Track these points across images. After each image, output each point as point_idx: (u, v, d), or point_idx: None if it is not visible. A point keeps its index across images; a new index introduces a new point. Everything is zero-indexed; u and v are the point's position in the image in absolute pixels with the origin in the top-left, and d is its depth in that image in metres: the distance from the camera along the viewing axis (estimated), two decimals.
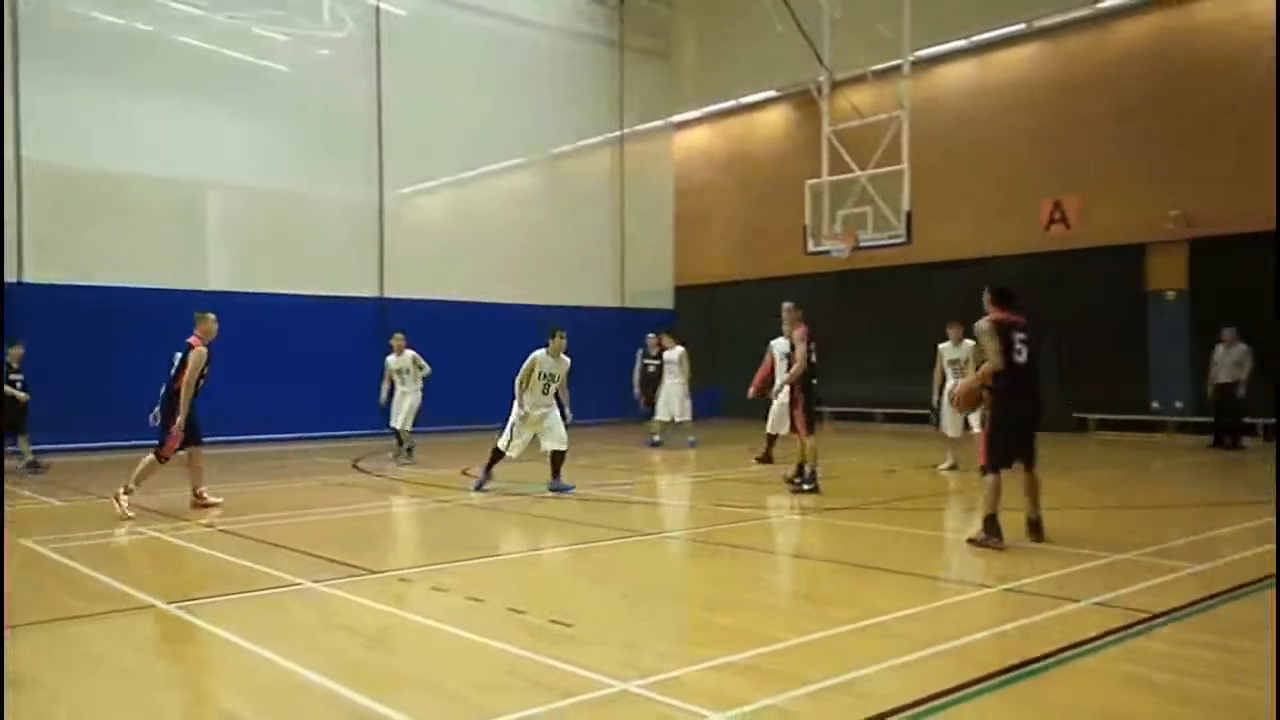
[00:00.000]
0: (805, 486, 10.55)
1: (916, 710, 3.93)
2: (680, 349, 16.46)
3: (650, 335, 17.34)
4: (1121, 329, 18.38)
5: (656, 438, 16.38)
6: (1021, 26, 19.45)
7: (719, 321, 25.32)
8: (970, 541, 7.58)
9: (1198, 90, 17.43)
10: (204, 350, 9.23)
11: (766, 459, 13.46)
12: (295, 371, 18.20)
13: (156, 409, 9.42)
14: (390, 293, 20.21)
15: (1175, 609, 5.48)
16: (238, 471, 13.32)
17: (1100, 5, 18.35)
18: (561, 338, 10.91)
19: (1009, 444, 7.63)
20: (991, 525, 7.46)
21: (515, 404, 10.92)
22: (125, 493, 9.07)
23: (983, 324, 7.66)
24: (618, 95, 24.29)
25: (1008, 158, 19.80)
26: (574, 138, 23.83)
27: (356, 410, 16.82)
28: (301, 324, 18.64)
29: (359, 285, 19.92)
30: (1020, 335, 7.57)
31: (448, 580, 6.68)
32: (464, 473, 12.31)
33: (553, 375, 10.87)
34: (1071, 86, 19.00)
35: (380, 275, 20.22)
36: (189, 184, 18.02)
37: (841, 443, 17.31)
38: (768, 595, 6.20)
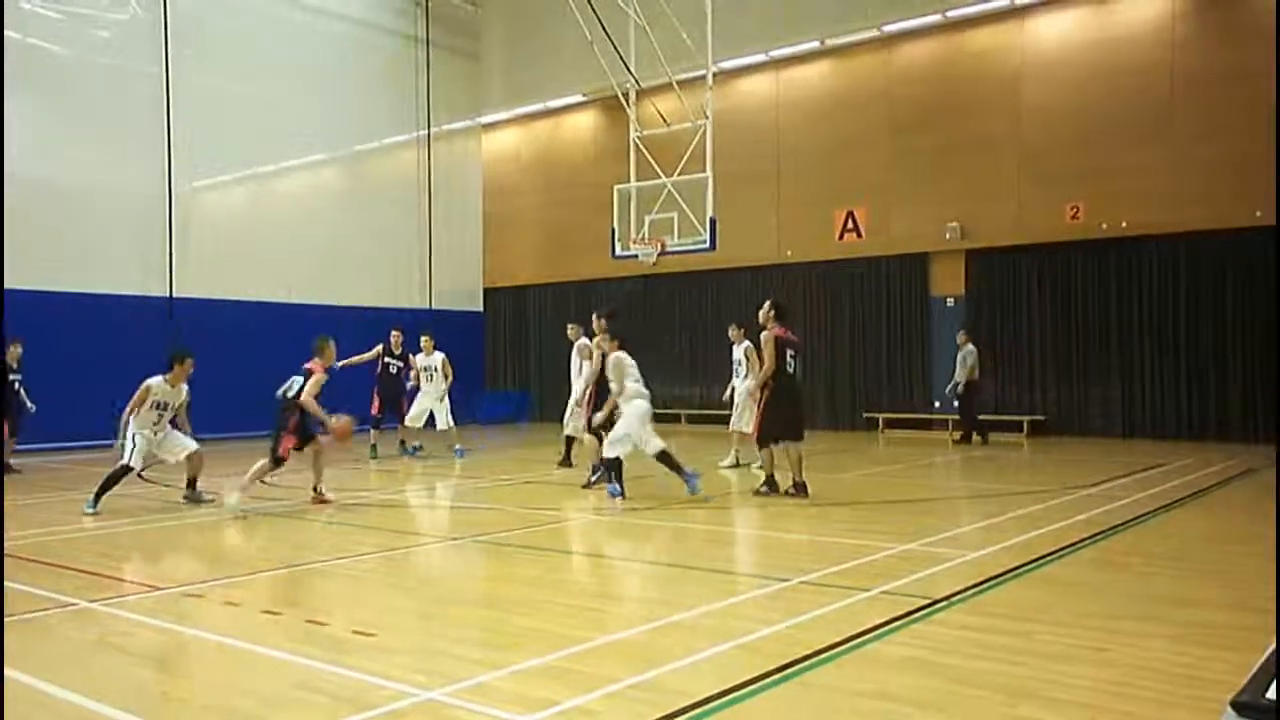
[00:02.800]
0: (608, 489, 10.50)
1: (715, 704, 4.06)
2: (442, 355, 15.37)
3: (393, 332, 15.95)
4: (908, 333, 19.59)
5: (417, 444, 15.45)
6: (815, 44, 20.37)
7: (528, 324, 25.32)
8: (755, 492, 10.20)
9: (972, 112, 18.74)
10: (323, 376, 9.88)
11: (566, 462, 13.33)
12: (74, 376, 16.93)
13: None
14: (181, 292, 19.08)
15: (953, 594, 5.88)
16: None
17: (886, 27, 19.45)
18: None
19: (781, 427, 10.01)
20: (770, 482, 10.13)
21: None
22: (240, 490, 9.46)
23: (766, 335, 9.94)
24: (424, 93, 23.86)
25: (804, 169, 20.71)
26: (379, 135, 23.24)
27: None
28: (81, 324, 17.36)
29: (145, 283, 18.72)
30: (790, 350, 9.91)
31: (242, 594, 6.39)
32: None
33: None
34: (860, 103, 20.06)
35: (169, 273, 19.06)
36: None
37: None
38: (572, 596, 6.25)
